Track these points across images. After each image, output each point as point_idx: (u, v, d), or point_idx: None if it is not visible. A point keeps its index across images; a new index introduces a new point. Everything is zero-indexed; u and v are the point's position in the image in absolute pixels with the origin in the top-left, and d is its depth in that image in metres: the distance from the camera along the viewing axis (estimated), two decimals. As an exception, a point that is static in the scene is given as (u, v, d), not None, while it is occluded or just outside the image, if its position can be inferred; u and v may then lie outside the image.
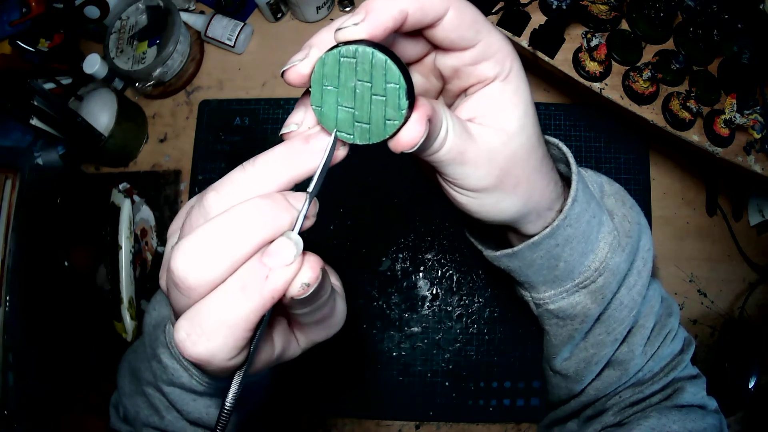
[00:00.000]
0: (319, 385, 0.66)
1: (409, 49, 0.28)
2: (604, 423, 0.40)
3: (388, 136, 0.25)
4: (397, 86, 0.24)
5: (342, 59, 0.24)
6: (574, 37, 0.56)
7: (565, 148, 0.36)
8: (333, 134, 0.25)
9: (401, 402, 0.65)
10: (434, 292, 0.67)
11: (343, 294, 0.31)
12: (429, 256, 0.68)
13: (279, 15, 0.76)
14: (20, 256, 0.66)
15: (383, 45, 0.24)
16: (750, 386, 0.62)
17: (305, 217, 0.24)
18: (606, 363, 0.39)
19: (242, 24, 0.74)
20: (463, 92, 0.30)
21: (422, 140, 0.24)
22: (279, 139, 0.27)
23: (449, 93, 0.31)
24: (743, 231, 0.69)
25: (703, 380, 0.41)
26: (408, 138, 0.24)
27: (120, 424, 0.45)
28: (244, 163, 0.25)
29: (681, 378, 0.40)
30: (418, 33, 0.27)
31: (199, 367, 0.24)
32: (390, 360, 0.66)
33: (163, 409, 0.41)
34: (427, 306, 0.67)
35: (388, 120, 0.24)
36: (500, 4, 0.56)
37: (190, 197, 0.72)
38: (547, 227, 0.33)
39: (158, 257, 0.71)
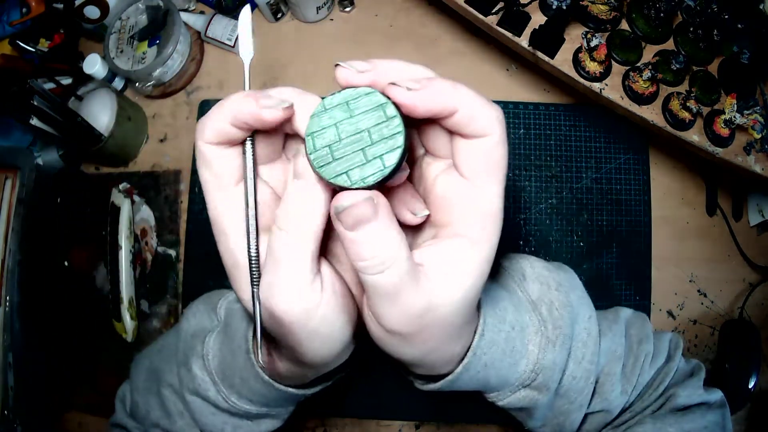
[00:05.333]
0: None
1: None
2: None
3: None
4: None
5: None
6: (574, 37, 0.56)
7: None
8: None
9: (401, 402, 0.65)
10: (434, 292, 0.67)
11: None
12: (429, 256, 0.68)
13: (279, 15, 0.76)
14: (20, 256, 0.66)
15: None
16: (750, 386, 0.62)
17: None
18: (584, 415, 0.39)
19: (242, 24, 0.74)
20: (434, 231, 0.29)
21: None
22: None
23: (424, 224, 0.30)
24: (743, 231, 0.69)
25: (699, 377, 0.41)
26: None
27: (126, 419, 0.44)
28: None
29: (672, 384, 0.40)
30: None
31: None
32: (390, 360, 0.65)
33: (176, 414, 0.41)
34: (427, 306, 0.67)
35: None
36: (500, 4, 0.56)
37: (190, 197, 0.72)
38: (458, 364, 0.32)
39: (158, 257, 0.71)
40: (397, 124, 0.24)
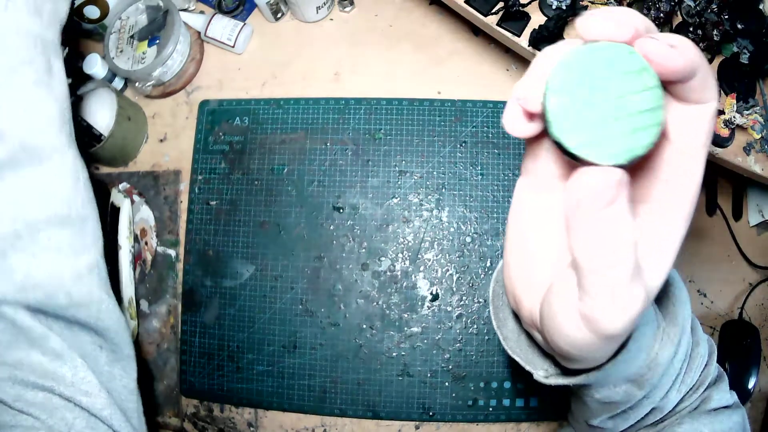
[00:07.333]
0: (318, 385, 0.66)
1: None
2: None
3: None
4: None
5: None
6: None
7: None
8: None
9: (401, 402, 0.65)
10: (434, 292, 0.67)
11: None
12: (429, 256, 0.68)
13: (279, 15, 0.76)
14: (20, 256, 0.66)
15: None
16: (750, 386, 0.62)
17: None
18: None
19: (242, 24, 0.74)
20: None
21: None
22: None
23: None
24: (743, 231, 0.69)
25: (725, 381, 0.41)
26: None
27: None
28: None
29: (706, 387, 0.40)
30: None
31: None
32: (390, 360, 0.66)
33: (11, 401, 0.42)
34: (427, 306, 0.67)
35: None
36: (500, 4, 0.56)
37: (189, 197, 0.72)
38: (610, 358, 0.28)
39: (158, 257, 0.71)
40: (659, 95, 0.20)
